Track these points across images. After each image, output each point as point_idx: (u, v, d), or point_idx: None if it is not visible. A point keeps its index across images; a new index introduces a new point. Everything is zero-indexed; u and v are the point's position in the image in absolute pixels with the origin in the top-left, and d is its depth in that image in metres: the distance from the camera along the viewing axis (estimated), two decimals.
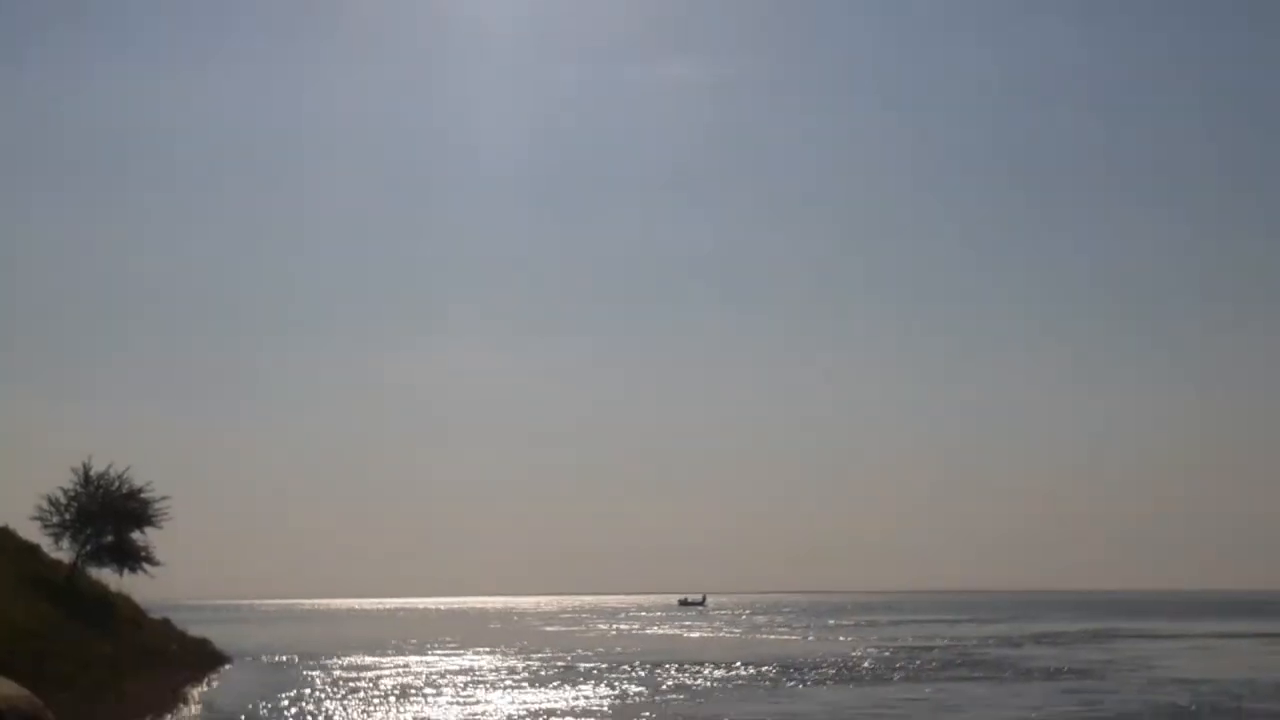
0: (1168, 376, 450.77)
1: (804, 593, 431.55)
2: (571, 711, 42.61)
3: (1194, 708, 41.90)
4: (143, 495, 61.99)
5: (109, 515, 61.14)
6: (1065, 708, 42.18)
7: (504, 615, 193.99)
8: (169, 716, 41.39)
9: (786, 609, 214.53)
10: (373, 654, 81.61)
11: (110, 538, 61.58)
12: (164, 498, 62.59)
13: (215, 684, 54.61)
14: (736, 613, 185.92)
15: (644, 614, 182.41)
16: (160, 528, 62.95)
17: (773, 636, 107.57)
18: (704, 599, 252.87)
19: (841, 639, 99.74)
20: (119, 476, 61.78)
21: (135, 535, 62.37)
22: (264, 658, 74.79)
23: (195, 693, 49.72)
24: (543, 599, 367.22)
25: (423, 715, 42.44)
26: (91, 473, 61.47)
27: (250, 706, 44.10)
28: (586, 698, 48.13)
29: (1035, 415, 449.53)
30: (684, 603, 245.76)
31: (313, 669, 66.47)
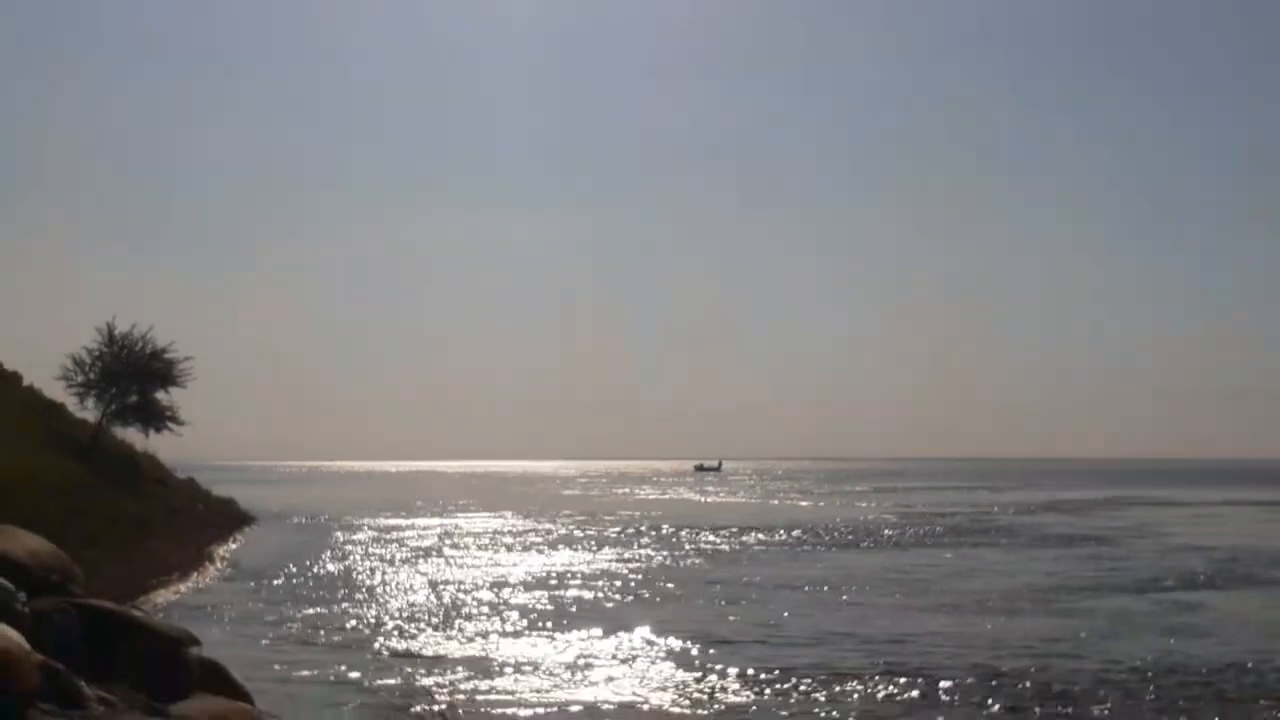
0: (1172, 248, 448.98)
1: (819, 459, 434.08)
2: (595, 574, 42.83)
3: (1207, 574, 41.93)
4: (166, 355, 61.95)
5: (133, 375, 61.13)
6: (1083, 573, 42.27)
7: (523, 480, 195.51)
8: (195, 574, 41.72)
9: (802, 475, 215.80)
10: (395, 515, 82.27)
11: (135, 397, 61.63)
12: (188, 358, 62.61)
13: (241, 543, 55.05)
14: (752, 480, 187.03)
15: (662, 480, 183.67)
16: (184, 388, 63.04)
17: (789, 502, 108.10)
18: (720, 465, 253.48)
19: (859, 505, 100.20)
20: (143, 337, 61.68)
21: (160, 395, 62.48)
22: (290, 519, 75.39)
23: (221, 551, 50.12)
24: (560, 463, 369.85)
25: (448, 575, 42.72)
26: (115, 332, 61.40)
27: (276, 565, 44.48)
28: (610, 560, 48.42)
29: (1048, 285, 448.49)
30: (700, 469, 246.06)
31: (337, 529, 67.03)
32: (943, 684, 22.18)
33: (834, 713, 20.12)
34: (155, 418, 62.30)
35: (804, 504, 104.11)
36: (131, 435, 62.78)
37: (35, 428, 52.65)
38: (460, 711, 19.41)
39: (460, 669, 24.04)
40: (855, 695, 21.40)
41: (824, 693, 21.62)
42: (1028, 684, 22.23)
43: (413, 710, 19.77)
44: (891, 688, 21.89)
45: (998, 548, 53.84)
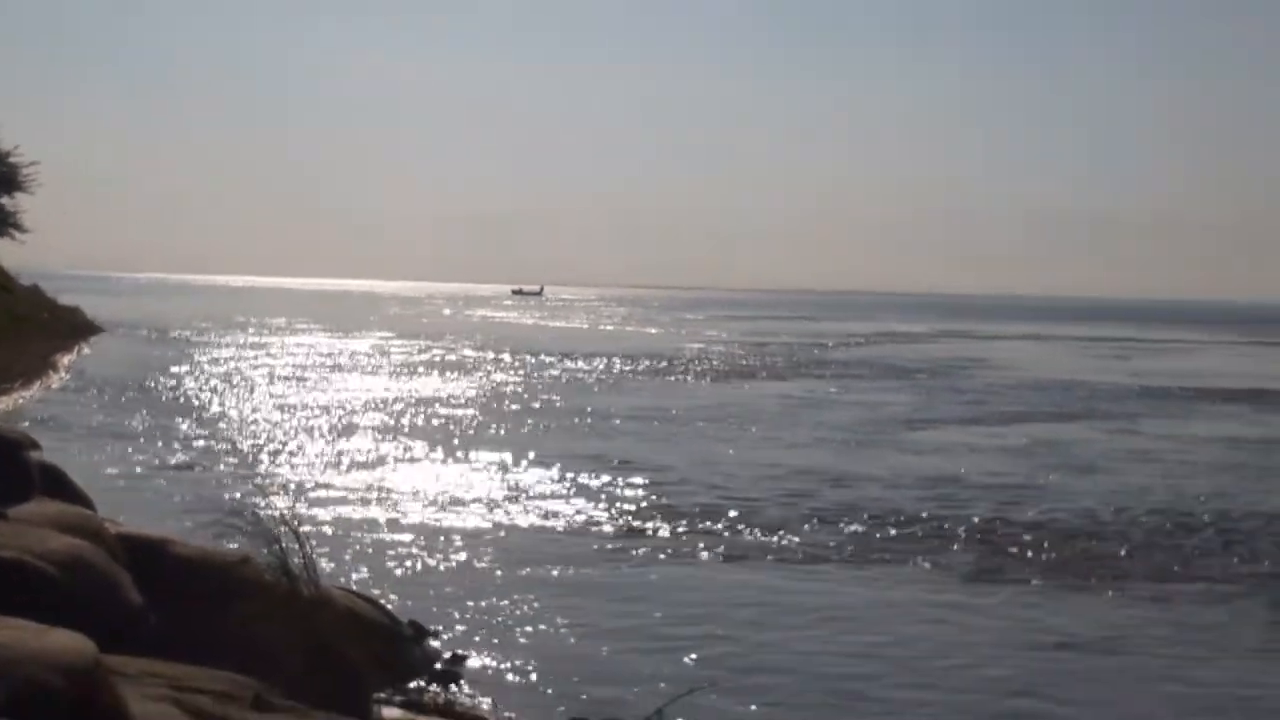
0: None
1: (649, 288, 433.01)
2: (439, 399, 41.80)
3: (1065, 406, 41.86)
4: (11, 160, 58.61)
5: None
6: (924, 402, 42.19)
7: (353, 298, 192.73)
8: (38, 383, 39.66)
9: (636, 304, 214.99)
10: (245, 331, 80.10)
11: None
12: (33, 163, 59.30)
13: (87, 353, 52.73)
14: (580, 304, 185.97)
15: (491, 303, 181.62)
16: (31, 193, 59.85)
17: (629, 329, 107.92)
18: (541, 290, 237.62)
19: (708, 333, 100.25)
20: None
21: (3, 200, 59.25)
22: (139, 330, 72.79)
23: (66, 360, 47.85)
24: (373, 284, 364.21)
25: (298, 395, 41.40)
26: None
27: (123, 377, 42.52)
28: (470, 386, 47.43)
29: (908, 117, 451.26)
30: (519, 293, 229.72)
31: (188, 344, 64.91)
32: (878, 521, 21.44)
33: (729, 538, 19.33)
34: None
35: (652, 331, 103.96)
36: None
37: None
38: (304, 526, 18.19)
39: (317, 490, 22.83)
40: (754, 524, 20.59)
41: (719, 524, 20.80)
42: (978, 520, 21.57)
43: (262, 523, 18.47)
44: (812, 524, 20.49)
45: (842, 379, 53.76)
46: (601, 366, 56.31)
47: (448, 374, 50.23)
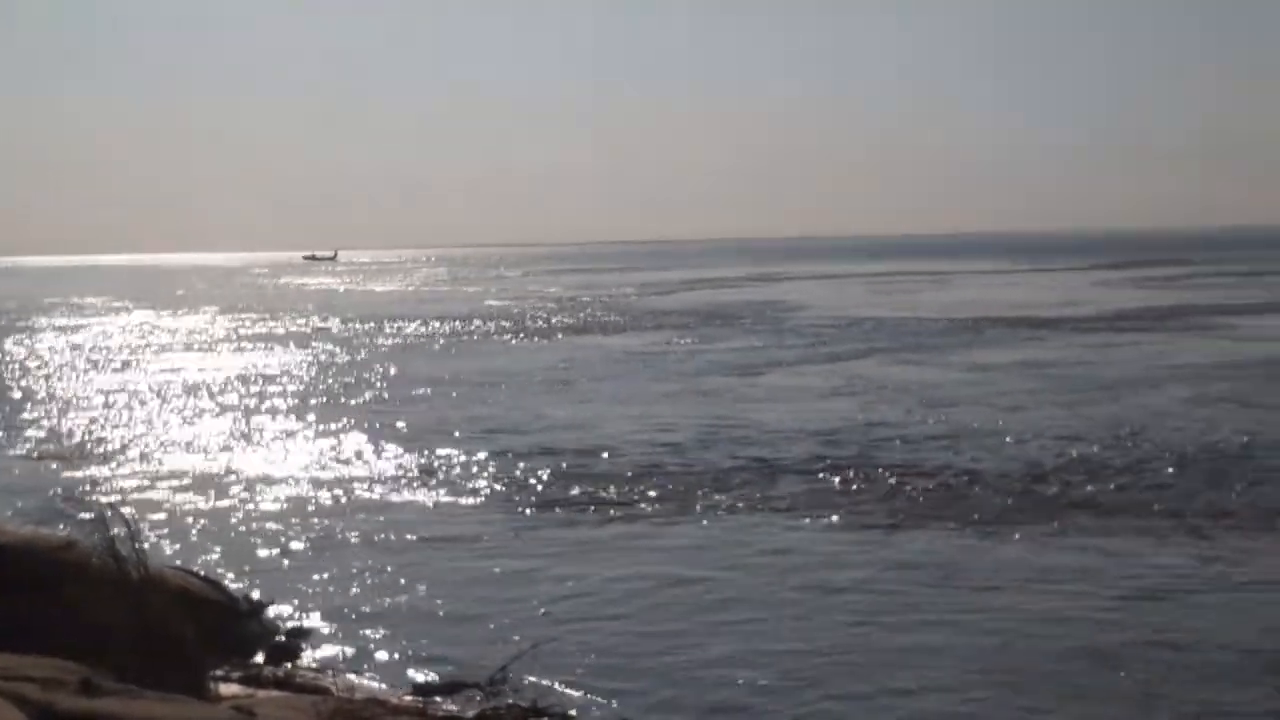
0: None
1: (454, 247, 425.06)
2: (275, 374, 40.88)
3: (886, 342, 42.39)
4: None
5: None
6: (757, 345, 42.45)
7: (161, 273, 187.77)
8: None
9: (452, 263, 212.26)
10: (51, 313, 77.40)
11: None
12: None
13: None
14: (379, 267, 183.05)
15: (292, 270, 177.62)
16: None
17: (444, 288, 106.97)
18: (335, 254, 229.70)
19: (532, 289, 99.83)
20: None
21: None
22: None
23: None
24: (173, 257, 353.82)
25: (124, 377, 40.11)
26: None
27: None
28: (288, 357, 46.49)
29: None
30: (311, 258, 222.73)
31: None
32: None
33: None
34: None
35: (470, 289, 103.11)
36: None
37: None
38: (142, 509, 17.52)
39: (153, 472, 22.07)
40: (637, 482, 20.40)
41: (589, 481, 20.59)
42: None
43: (88, 507, 17.77)
44: (660, 479, 20.10)
45: (638, 332, 53.93)
46: (434, 330, 55.60)
47: (281, 346, 48.95)
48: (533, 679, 10.94)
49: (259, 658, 11.81)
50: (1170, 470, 19.31)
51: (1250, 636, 11.84)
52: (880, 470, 19.83)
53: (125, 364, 42.44)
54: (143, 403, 31.74)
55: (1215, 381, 29.61)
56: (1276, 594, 13.23)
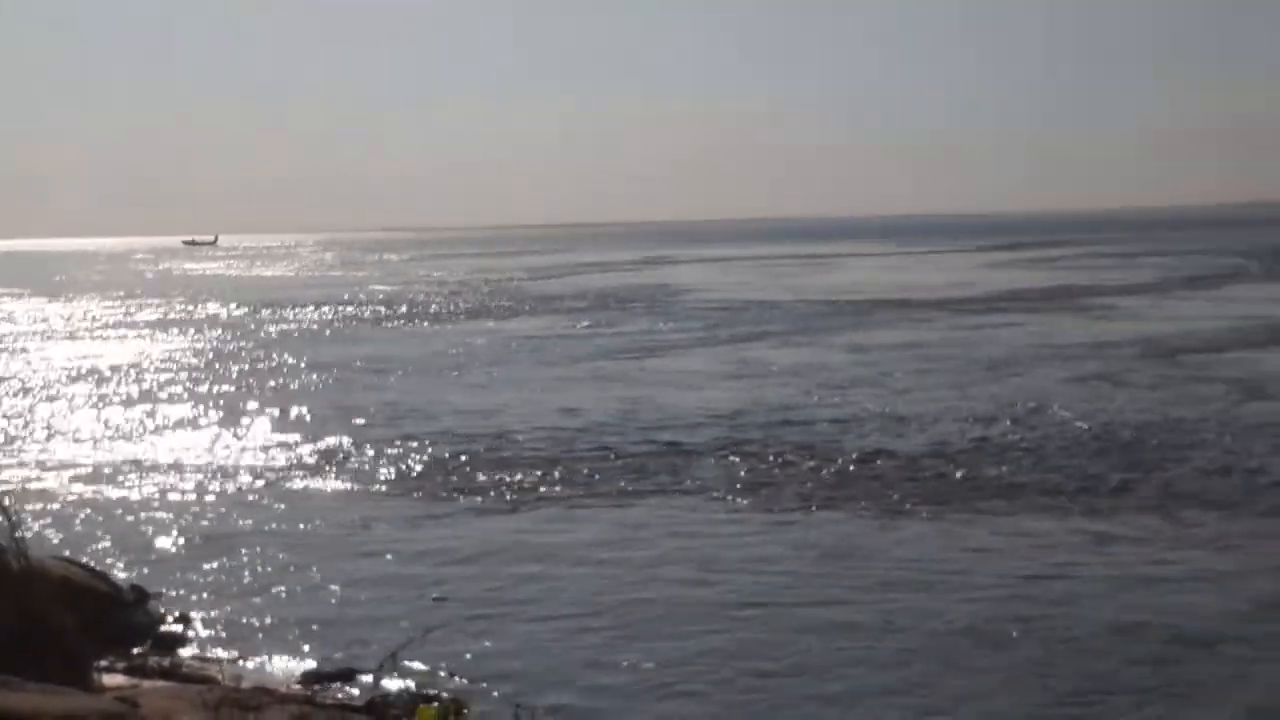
0: None
1: (332, 231, 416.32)
2: (166, 362, 40.09)
3: (781, 326, 42.56)
4: None
5: None
6: (651, 329, 42.36)
7: (34, 258, 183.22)
8: None
9: (337, 248, 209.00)
10: None
11: None
12: None
13: None
14: (261, 252, 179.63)
15: (173, 255, 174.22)
16: None
17: (333, 273, 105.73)
18: (215, 239, 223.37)
19: (420, 272, 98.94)
20: None
21: None
22: None
23: None
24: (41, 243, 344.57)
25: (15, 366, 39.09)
26: None
27: None
28: (178, 343, 45.67)
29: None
30: (191, 244, 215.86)
31: None
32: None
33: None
34: None
35: (358, 274, 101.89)
36: None
37: None
38: (27, 500, 17.09)
39: (41, 463, 21.53)
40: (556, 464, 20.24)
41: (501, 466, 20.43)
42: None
43: None
44: (562, 467, 19.80)
45: (549, 315, 53.77)
46: (323, 315, 54.82)
47: (171, 333, 47.93)
48: (422, 665, 10.90)
49: (144, 647, 11.61)
50: (1061, 450, 19.69)
51: (1136, 615, 12.04)
52: (786, 453, 19.92)
53: (4, 352, 41.30)
54: (27, 391, 30.94)
55: (1089, 361, 30.36)
56: (1163, 572, 13.50)
